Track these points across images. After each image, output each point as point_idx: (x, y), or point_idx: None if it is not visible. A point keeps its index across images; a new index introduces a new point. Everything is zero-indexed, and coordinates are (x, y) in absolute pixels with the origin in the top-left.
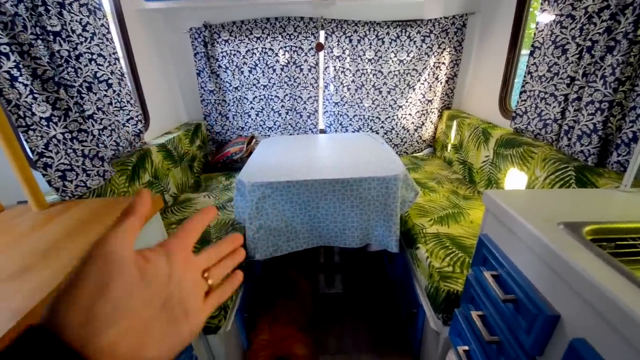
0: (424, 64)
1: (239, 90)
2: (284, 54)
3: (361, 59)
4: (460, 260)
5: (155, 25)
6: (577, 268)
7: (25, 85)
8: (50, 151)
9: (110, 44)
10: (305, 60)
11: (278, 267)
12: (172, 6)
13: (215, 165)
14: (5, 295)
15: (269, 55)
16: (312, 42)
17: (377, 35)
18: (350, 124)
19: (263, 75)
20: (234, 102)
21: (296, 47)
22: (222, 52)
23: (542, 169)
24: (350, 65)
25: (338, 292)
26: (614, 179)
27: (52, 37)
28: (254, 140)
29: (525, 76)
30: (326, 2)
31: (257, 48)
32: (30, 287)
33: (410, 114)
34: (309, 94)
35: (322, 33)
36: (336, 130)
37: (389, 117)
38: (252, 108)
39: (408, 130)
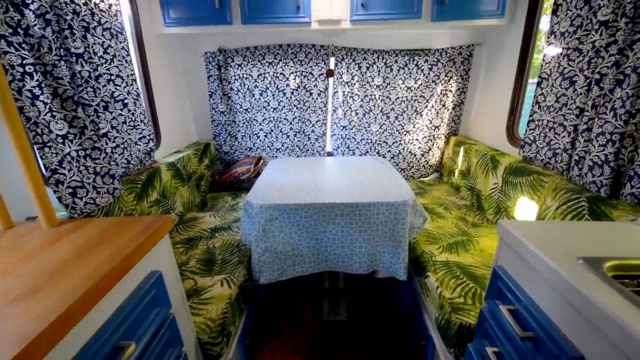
0: (431, 91)
1: (248, 112)
2: (295, 79)
3: (370, 85)
4: (471, 291)
5: (172, 48)
6: (601, 306)
7: (45, 104)
8: (64, 168)
9: (129, 65)
10: (315, 85)
11: (282, 292)
12: (190, 32)
13: (222, 184)
14: (12, 318)
15: (279, 80)
16: (322, 68)
17: (385, 63)
18: (357, 147)
19: (273, 98)
20: (244, 123)
21: (307, 72)
22: (234, 76)
23: (553, 198)
24: (358, 91)
25: (342, 320)
26: (629, 211)
27: (74, 58)
28: (262, 160)
29: (533, 106)
30: (337, 31)
31: (268, 72)
32: (37, 311)
33: (417, 139)
34: (317, 117)
35: (332, 60)
36: (343, 153)
37: (396, 141)
38: (261, 129)
39: (415, 155)
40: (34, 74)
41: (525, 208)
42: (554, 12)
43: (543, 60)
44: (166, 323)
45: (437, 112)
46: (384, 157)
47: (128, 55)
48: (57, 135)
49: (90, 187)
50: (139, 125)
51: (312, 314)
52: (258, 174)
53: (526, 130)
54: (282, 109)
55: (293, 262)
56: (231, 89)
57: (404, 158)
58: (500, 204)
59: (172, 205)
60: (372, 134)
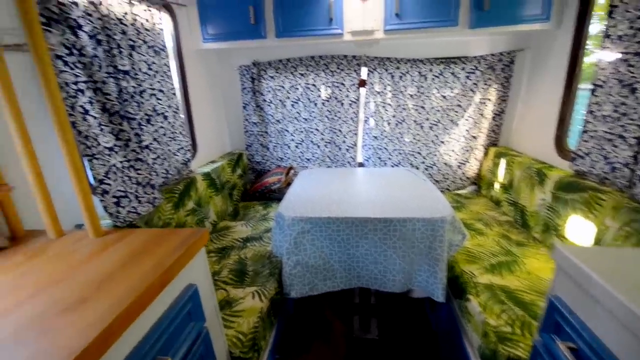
0: (469, 100)
1: (280, 123)
2: (326, 90)
3: (402, 95)
4: (519, 319)
5: (210, 63)
6: None
7: (95, 118)
8: (109, 178)
9: (170, 80)
10: (347, 96)
11: (311, 305)
12: (226, 47)
13: (253, 194)
14: (62, 329)
15: (311, 91)
16: (354, 78)
17: (419, 72)
18: (389, 158)
19: (305, 109)
20: (275, 134)
21: (338, 83)
22: (267, 87)
23: (613, 218)
24: (391, 101)
25: (373, 339)
26: None
27: (121, 75)
28: (292, 171)
29: (586, 115)
30: (370, 42)
31: (300, 84)
32: (85, 323)
33: (453, 150)
34: (348, 127)
35: (364, 70)
36: (375, 164)
37: (430, 152)
38: (292, 140)
39: (451, 167)
40: (86, 90)
41: (578, 227)
42: (609, 14)
43: (597, 66)
44: (200, 337)
45: (475, 122)
46: (417, 169)
47: (169, 70)
48: (105, 147)
49: (133, 197)
50: (177, 136)
51: (343, 329)
52: (289, 184)
53: (579, 142)
54: (313, 120)
55: (324, 276)
56: (264, 100)
57: (439, 169)
58: (549, 221)
59: (207, 214)
60: (404, 145)
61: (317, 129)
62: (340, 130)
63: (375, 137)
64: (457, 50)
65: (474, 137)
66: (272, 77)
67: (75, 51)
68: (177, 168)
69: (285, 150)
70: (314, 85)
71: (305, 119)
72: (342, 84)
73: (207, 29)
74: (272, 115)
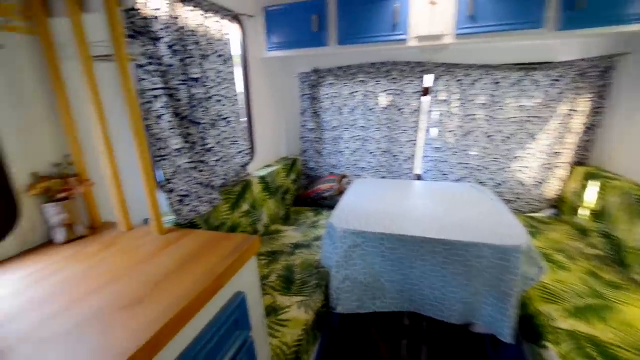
0: (551, 111)
1: (336, 130)
2: (386, 97)
3: (471, 104)
4: None
5: (272, 70)
6: None
7: (167, 122)
8: (175, 178)
9: (234, 86)
10: (407, 104)
11: (357, 322)
12: (288, 54)
13: (305, 199)
14: (117, 328)
15: (369, 98)
16: (416, 85)
17: (493, 79)
18: (451, 172)
19: (362, 116)
20: (330, 140)
21: (399, 90)
22: (325, 94)
23: None
24: (458, 110)
25: None
26: None
27: (192, 82)
28: (346, 179)
29: None
30: (437, 47)
31: (359, 91)
32: (139, 324)
33: (528, 167)
34: (407, 137)
35: (427, 77)
36: (434, 178)
37: (500, 168)
38: (346, 147)
39: (525, 185)
40: (161, 96)
41: None
42: None
43: None
44: (245, 346)
45: (559, 136)
46: (484, 185)
47: (234, 77)
48: (173, 149)
49: (195, 196)
50: (238, 140)
51: (389, 352)
52: (341, 192)
53: None
54: (370, 128)
55: (373, 295)
56: (320, 107)
57: (510, 188)
58: None
59: (259, 216)
60: (470, 158)
61: (373, 138)
62: (398, 140)
63: (437, 149)
64: (539, 55)
65: (556, 153)
66: (330, 84)
67: (154, 60)
68: (236, 170)
69: (339, 158)
70: (372, 92)
71: (362, 127)
72: (403, 91)
73: (271, 38)
74: (328, 122)
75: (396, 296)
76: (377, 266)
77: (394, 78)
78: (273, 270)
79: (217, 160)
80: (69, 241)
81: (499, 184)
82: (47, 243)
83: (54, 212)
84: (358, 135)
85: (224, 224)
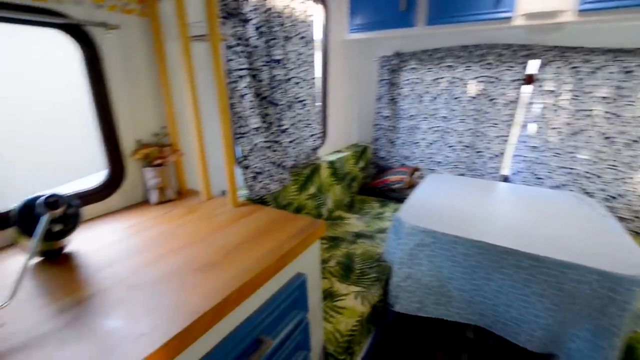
0: None
1: (413, 119)
2: (476, 85)
3: (588, 97)
4: None
5: (351, 53)
6: None
7: (250, 102)
8: (252, 155)
9: (313, 69)
10: (503, 94)
11: (414, 323)
12: (370, 37)
13: (371, 189)
14: (192, 288)
15: (456, 86)
16: (517, 72)
17: (623, 67)
18: (549, 176)
19: (445, 105)
20: (405, 130)
21: (494, 77)
22: (406, 80)
23: None
24: (568, 104)
25: None
26: None
27: (274, 64)
28: (418, 172)
29: None
30: (550, 27)
31: (444, 77)
32: (210, 287)
33: None
34: (498, 132)
35: (532, 62)
36: (525, 181)
37: (619, 178)
38: (423, 139)
39: None
40: (246, 77)
41: None
42: None
43: None
44: (300, 326)
45: None
46: (591, 197)
47: (314, 60)
48: (252, 128)
49: (267, 174)
50: (311, 123)
51: None
52: (411, 186)
53: None
54: (452, 119)
55: (437, 300)
56: (399, 94)
57: (629, 204)
58: None
59: (325, 200)
60: (577, 162)
61: (455, 130)
62: (485, 134)
63: (534, 148)
64: None
65: None
66: (412, 69)
67: (242, 42)
68: (307, 153)
69: (413, 149)
70: (461, 79)
71: (444, 117)
72: (499, 79)
73: (354, 19)
74: (405, 110)
75: (464, 307)
76: (446, 271)
77: (489, 63)
78: (333, 255)
79: (290, 142)
80: (160, 203)
81: (613, 197)
82: (143, 202)
83: (150, 176)
84: (438, 127)
85: (290, 204)
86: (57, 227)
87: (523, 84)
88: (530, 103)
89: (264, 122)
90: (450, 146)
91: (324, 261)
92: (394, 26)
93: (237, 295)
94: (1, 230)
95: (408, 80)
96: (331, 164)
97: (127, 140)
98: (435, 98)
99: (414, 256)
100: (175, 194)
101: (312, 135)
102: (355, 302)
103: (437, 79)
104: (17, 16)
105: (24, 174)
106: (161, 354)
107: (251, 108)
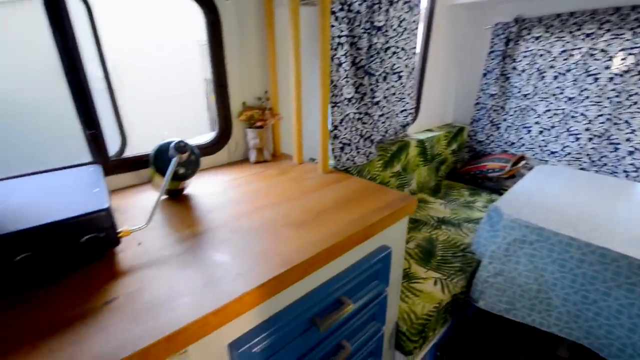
0: None
1: (527, 99)
2: (624, 59)
3: None
4: None
5: (457, 20)
6: None
7: (345, 71)
8: (342, 126)
9: (414, 38)
10: None
11: (496, 324)
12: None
13: (462, 175)
14: (284, 240)
15: (595, 59)
16: None
17: None
18: None
19: (574, 84)
20: (516, 111)
21: None
22: (524, 52)
23: None
24: None
25: None
26: None
27: (375, 31)
28: (524, 162)
29: None
30: None
31: (579, 48)
32: (300, 243)
33: None
34: None
35: None
36: None
37: None
38: (537, 123)
39: None
40: (344, 44)
41: None
42: None
43: None
44: (379, 298)
45: None
46: None
47: (416, 28)
48: (345, 98)
49: (354, 147)
50: (404, 98)
51: None
52: (512, 177)
53: None
54: (582, 101)
55: (532, 305)
56: (514, 68)
57: None
58: None
59: (409, 181)
60: None
61: (584, 115)
62: (627, 122)
63: None
64: None
65: None
66: (536, 39)
67: (345, 7)
68: (395, 129)
69: (521, 134)
70: (603, 51)
71: (569, 99)
72: None
73: None
74: (518, 88)
75: (566, 319)
76: (550, 275)
77: None
78: (413, 237)
79: (380, 115)
80: (257, 162)
81: None
82: (243, 160)
83: (252, 137)
84: (560, 109)
85: (374, 179)
86: (181, 170)
87: None
88: None
89: (357, 92)
90: (572, 134)
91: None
92: None
93: (326, 254)
94: (140, 169)
95: (528, 51)
96: (420, 142)
97: (235, 102)
98: (561, 74)
99: (511, 252)
100: (270, 155)
101: (403, 110)
102: (434, 288)
103: (569, 50)
104: None
105: (151, 131)
106: (256, 294)
107: (346, 77)
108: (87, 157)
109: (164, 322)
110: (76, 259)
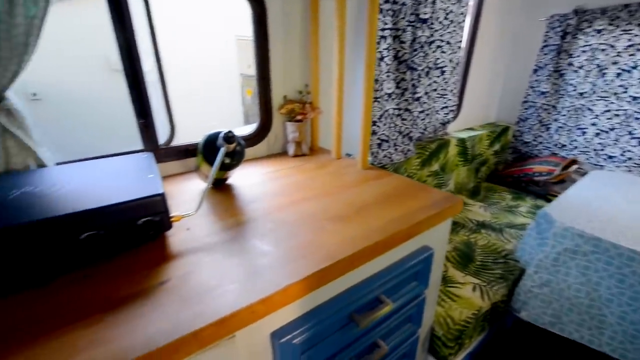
0: None
1: (583, 98)
2: None
3: None
4: None
5: (509, 12)
6: None
7: (387, 65)
8: (380, 121)
9: (461, 32)
10: None
11: (537, 336)
12: None
13: (504, 177)
14: (325, 234)
15: None
16: None
17: None
18: None
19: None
20: (569, 111)
21: None
22: (583, 47)
23: None
24: None
25: None
26: None
27: (419, 24)
28: (576, 166)
29: None
30: None
31: None
32: (341, 237)
33: None
34: None
35: None
36: None
37: None
38: (593, 124)
39: None
40: (388, 37)
41: None
42: None
43: None
44: (417, 299)
45: None
46: None
47: (463, 20)
48: (386, 93)
49: (392, 143)
50: (446, 94)
51: None
52: (562, 182)
53: None
54: None
55: (581, 321)
56: (570, 64)
57: None
58: None
59: (447, 181)
60: None
61: None
62: None
63: None
64: None
65: None
66: (597, 32)
67: None
68: (435, 127)
69: (574, 136)
70: None
71: (634, 98)
72: None
73: None
74: (573, 86)
75: (621, 339)
76: (605, 290)
77: None
78: (451, 240)
79: (420, 112)
80: (295, 156)
81: None
82: (282, 153)
83: (291, 130)
84: (621, 110)
85: (410, 177)
86: (227, 160)
87: None
88: None
89: (398, 87)
90: (635, 137)
91: None
92: None
93: (369, 251)
94: (187, 158)
95: (587, 46)
96: (461, 141)
97: (276, 95)
98: (626, 71)
99: (560, 263)
100: (308, 149)
101: (444, 107)
102: (473, 295)
103: (636, 44)
104: None
105: (189, 124)
106: (300, 286)
107: (387, 72)
108: (139, 145)
109: (215, 307)
110: (133, 240)
